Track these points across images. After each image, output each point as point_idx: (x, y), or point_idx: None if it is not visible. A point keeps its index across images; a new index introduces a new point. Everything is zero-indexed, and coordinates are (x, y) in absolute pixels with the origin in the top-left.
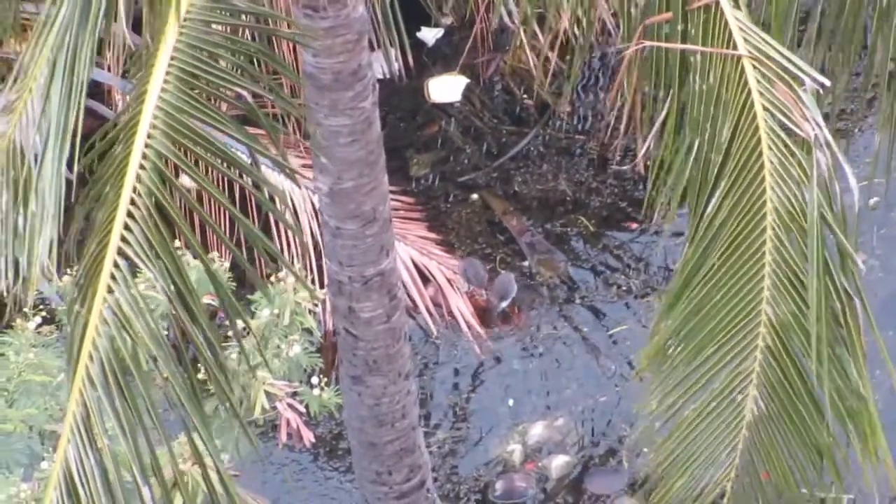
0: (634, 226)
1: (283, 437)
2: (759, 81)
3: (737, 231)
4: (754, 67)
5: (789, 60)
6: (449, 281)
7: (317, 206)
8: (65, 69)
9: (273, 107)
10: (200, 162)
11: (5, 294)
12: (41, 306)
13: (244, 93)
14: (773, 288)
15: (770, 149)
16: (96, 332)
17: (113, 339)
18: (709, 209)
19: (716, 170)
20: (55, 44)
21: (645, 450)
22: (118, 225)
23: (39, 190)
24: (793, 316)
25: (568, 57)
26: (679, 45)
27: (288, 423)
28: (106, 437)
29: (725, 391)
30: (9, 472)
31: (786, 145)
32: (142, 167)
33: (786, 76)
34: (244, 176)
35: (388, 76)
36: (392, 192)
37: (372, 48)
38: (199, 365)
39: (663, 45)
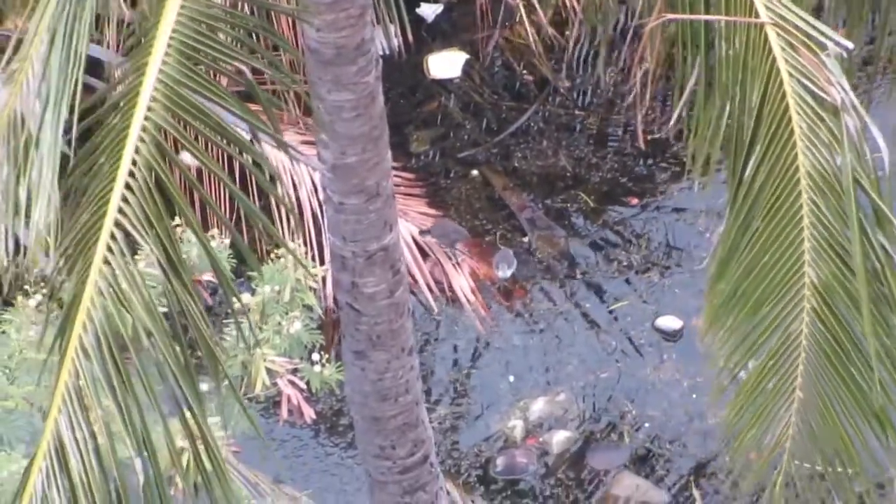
0: (635, 201)
1: (284, 413)
2: (783, 48)
3: (775, 194)
4: (777, 35)
5: (811, 26)
6: (449, 257)
7: (317, 182)
8: (64, 38)
9: (274, 83)
10: (200, 137)
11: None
12: (42, 283)
13: (244, 68)
14: (813, 250)
15: (798, 113)
16: (91, 303)
17: (108, 311)
18: (747, 173)
19: (749, 133)
20: (55, 13)
21: (646, 424)
22: (115, 197)
23: (38, 157)
24: (834, 277)
25: (567, 32)
26: (702, 17)
27: (289, 400)
28: (99, 408)
29: (780, 350)
30: (10, 449)
31: (813, 110)
32: (141, 140)
33: (808, 42)
34: (243, 153)
35: (387, 52)
36: (392, 168)
37: (371, 24)
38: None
39: (686, 17)
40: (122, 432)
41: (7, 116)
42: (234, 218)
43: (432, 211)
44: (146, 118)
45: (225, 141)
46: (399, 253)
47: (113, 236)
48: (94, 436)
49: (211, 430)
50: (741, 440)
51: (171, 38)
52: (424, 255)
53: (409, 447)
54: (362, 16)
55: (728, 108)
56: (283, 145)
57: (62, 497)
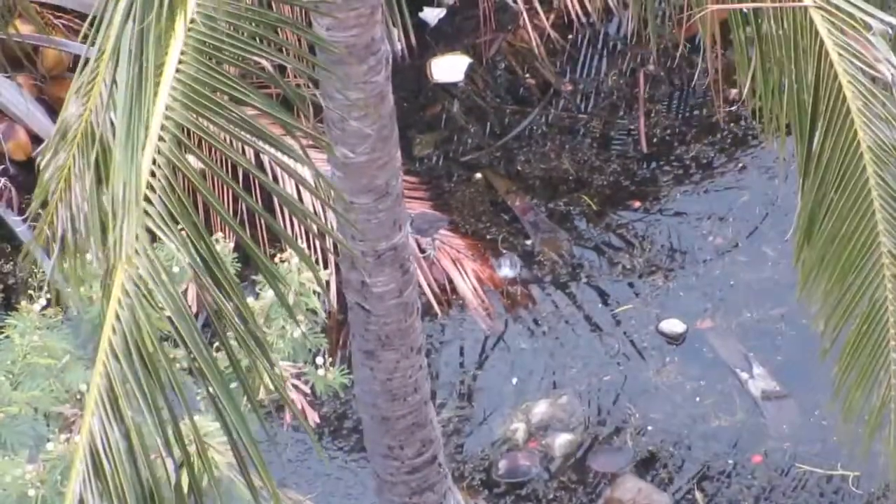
0: (637, 204)
1: (289, 417)
2: (829, 31)
3: (842, 168)
4: (822, 17)
5: (854, 5)
6: (453, 260)
7: (321, 184)
8: (130, 55)
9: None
10: (204, 142)
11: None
12: (45, 288)
13: (266, 64)
14: (885, 221)
15: (852, 92)
16: (118, 304)
17: (135, 311)
18: (814, 147)
19: (810, 109)
20: (119, 28)
21: (649, 427)
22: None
23: (116, 174)
24: None
25: (570, 36)
26: (746, 5)
27: (293, 404)
28: (129, 409)
29: (871, 315)
30: (14, 454)
31: (866, 87)
32: (161, 139)
33: (853, 22)
34: (249, 155)
35: (390, 55)
36: None
37: (381, 23)
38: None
39: (731, 6)
40: (152, 433)
41: (84, 129)
42: (236, 222)
43: (436, 214)
44: (166, 117)
45: (230, 143)
46: (408, 252)
47: (137, 236)
48: (126, 437)
49: (245, 424)
50: (850, 399)
51: (187, 35)
52: (425, 255)
53: (418, 447)
54: (372, 15)
55: (786, 83)
56: (316, 139)
57: (96, 499)
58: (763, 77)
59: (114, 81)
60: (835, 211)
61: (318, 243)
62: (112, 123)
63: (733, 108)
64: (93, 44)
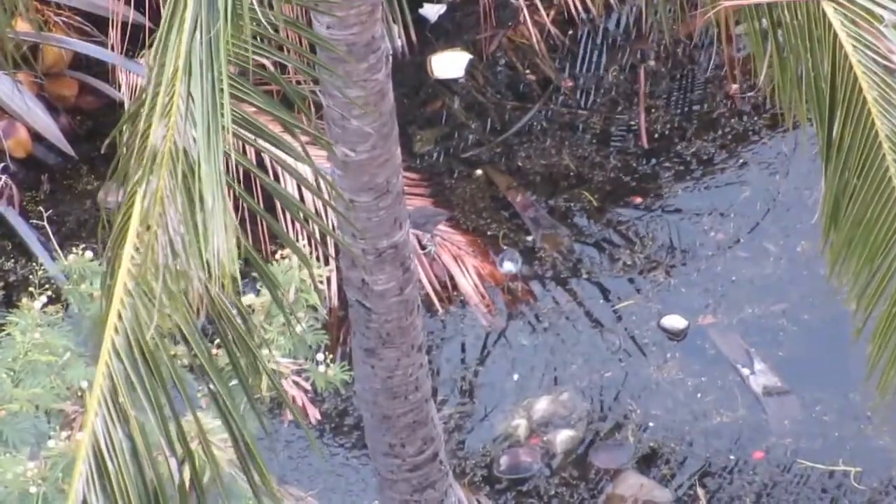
0: (638, 200)
1: (289, 414)
2: (842, 23)
3: (862, 156)
4: (834, 10)
5: None
6: (454, 257)
7: (321, 183)
8: (202, 65)
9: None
10: None
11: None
12: (46, 285)
13: (266, 62)
14: None
15: (867, 83)
16: (121, 303)
17: (137, 310)
18: (833, 134)
19: (828, 98)
20: (188, 39)
21: (651, 423)
22: (139, 196)
23: (203, 186)
24: None
25: (570, 32)
26: (757, 0)
27: (294, 401)
28: (132, 409)
29: None
30: (15, 451)
31: (881, 78)
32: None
33: (865, 14)
34: (250, 153)
35: (390, 52)
36: None
37: (381, 21)
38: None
39: (747, 2)
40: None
41: (170, 149)
42: (238, 219)
43: (435, 209)
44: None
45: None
46: (409, 250)
47: (139, 235)
48: (129, 437)
49: (245, 422)
50: (886, 378)
51: None
52: (425, 252)
53: (419, 445)
54: (373, 13)
55: (803, 71)
56: (316, 138)
57: (100, 499)
58: (780, 65)
59: (189, 95)
60: (858, 196)
61: (319, 240)
62: (194, 138)
63: (735, 103)
64: (162, 63)
